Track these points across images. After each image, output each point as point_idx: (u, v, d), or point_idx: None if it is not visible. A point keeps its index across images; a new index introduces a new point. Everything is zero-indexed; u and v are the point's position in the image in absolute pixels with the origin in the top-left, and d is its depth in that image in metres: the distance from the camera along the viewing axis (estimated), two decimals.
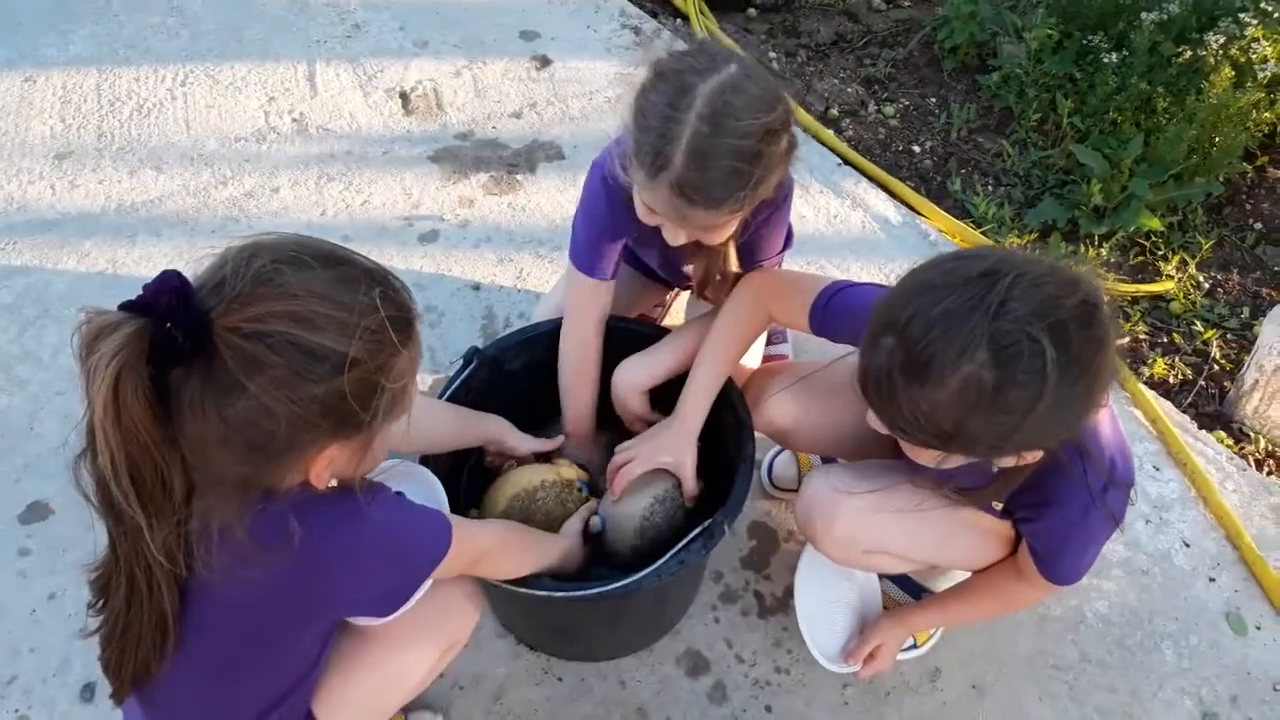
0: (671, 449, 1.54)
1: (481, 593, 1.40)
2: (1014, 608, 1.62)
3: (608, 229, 1.55)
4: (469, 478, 1.71)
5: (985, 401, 1.05)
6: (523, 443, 1.66)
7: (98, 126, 2.63)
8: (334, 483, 1.07)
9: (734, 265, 1.59)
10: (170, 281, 0.91)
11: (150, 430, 0.92)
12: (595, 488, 1.68)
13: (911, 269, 1.15)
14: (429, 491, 1.62)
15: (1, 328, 2.18)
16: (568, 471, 1.63)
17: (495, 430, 1.64)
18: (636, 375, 1.62)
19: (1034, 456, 1.18)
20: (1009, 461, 1.20)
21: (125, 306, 0.91)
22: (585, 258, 1.58)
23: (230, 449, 0.96)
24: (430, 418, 1.53)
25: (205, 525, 0.99)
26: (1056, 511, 1.31)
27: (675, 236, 1.41)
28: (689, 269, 1.70)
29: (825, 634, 1.60)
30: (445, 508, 1.53)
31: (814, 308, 1.44)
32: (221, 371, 0.92)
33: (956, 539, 1.46)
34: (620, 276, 1.72)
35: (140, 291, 0.91)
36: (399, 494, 1.15)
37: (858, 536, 1.46)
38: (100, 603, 1.08)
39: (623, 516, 1.55)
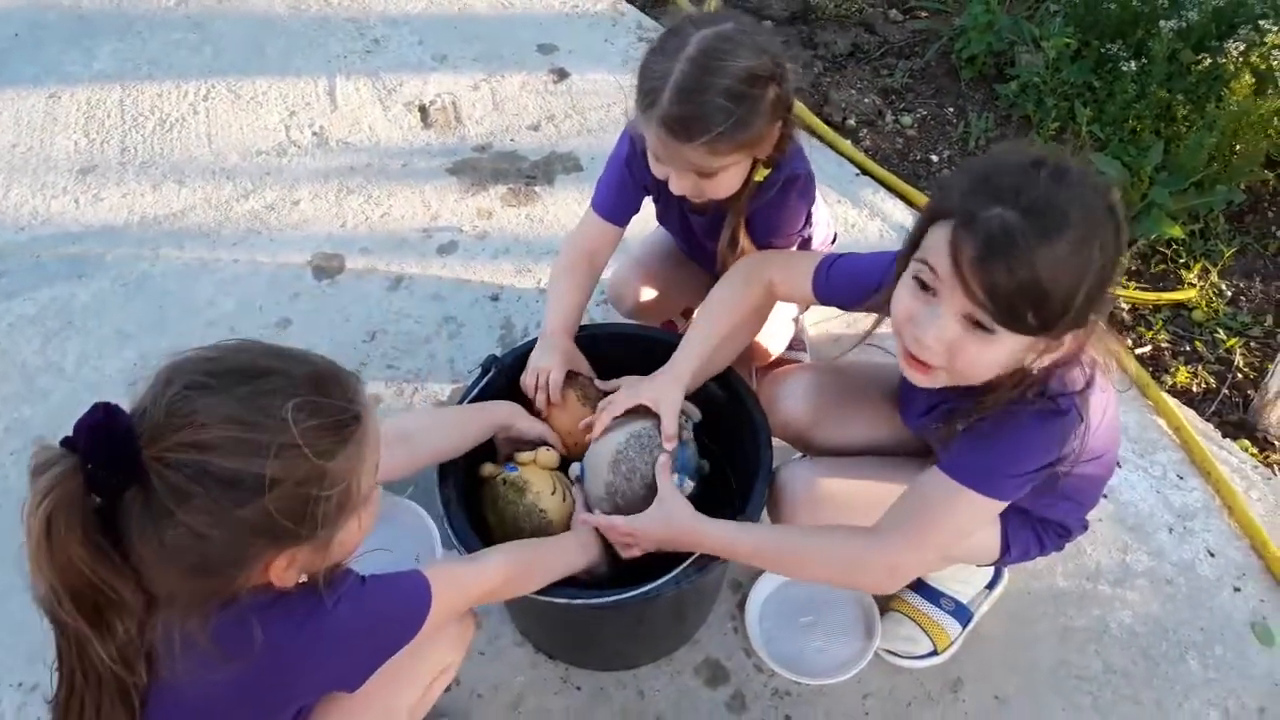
0: (654, 388, 1.53)
1: (473, 610, 1.38)
2: (828, 564, 1.36)
3: (625, 177, 1.67)
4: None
5: (1095, 254, 1.11)
6: (533, 426, 1.60)
7: (121, 141, 2.67)
8: (303, 578, 1.06)
9: (744, 240, 1.62)
10: (96, 419, 0.93)
11: (88, 562, 0.93)
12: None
13: (959, 165, 1.23)
14: (419, 528, 1.63)
15: (25, 339, 2.21)
16: (546, 457, 1.58)
17: (504, 415, 1.60)
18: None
19: (1075, 341, 1.19)
20: (1048, 359, 1.19)
21: (64, 442, 0.93)
22: (599, 197, 1.72)
23: (175, 570, 0.97)
24: (432, 429, 1.52)
25: (168, 634, 0.99)
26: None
27: (680, 185, 1.50)
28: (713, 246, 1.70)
29: (808, 664, 1.65)
30: (437, 544, 1.56)
31: (818, 271, 1.50)
32: (155, 499, 0.93)
33: None
34: (670, 272, 1.87)
35: (74, 426, 0.93)
36: (364, 579, 1.12)
37: (828, 520, 1.48)
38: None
39: (598, 453, 1.52)
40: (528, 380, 1.63)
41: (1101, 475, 1.44)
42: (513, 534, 1.49)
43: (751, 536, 1.39)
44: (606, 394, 1.61)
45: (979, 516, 1.30)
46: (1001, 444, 1.25)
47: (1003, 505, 1.28)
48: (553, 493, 1.53)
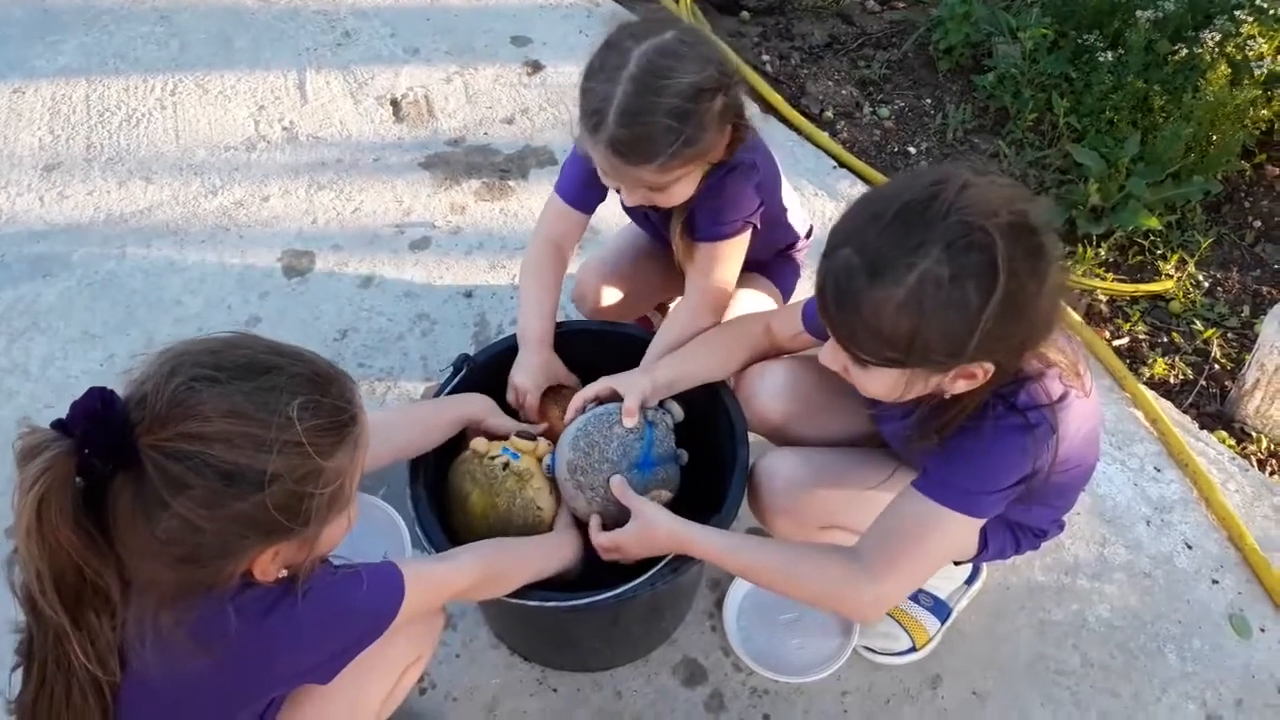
0: (623, 375, 1.53)
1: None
2: (817, 592, 1.33)
3: (590, 169, 1.62)
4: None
5: (942, 296, 1.08)
6: (504, 423, 1.57)
7: (87, 137, 2.62)
8: (283, 573, 1.06)
9: (679, 236, 1.62)
10: (92, 404, 0.93)
11: (76, 547, 0.94)
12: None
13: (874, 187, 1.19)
14: (388, 525, 1.60)
15: None
16: (546, 449, 1.53)
17: (474, 410, 1.56)
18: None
19: (986, 371, 1.16)
20: (962, 385, 1.18)
21: (55, 425, 0.93)
22: (564, 182, 1.69)
23: (163, 560, 0.97)
24: (395, 426, 1.49)
25: (141, 625, 0.99)
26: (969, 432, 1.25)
27: (630, 196, 1.50)
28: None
29: (784, 660, 1.64)
30: (406, 543, 1.54)
31: (806, 306, 1.51)
32: (148, 487, 0.94)
33: None
34: (634, 273, 1.85)
35: (69, 409, 0.93)
36: (337, 569, 1.12)
37: (806, 510, 1.49)
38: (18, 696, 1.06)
39: (564, 435, 1.50)
40: (510, 398, 1.62)
41: (1077, 482, 1.43)
42: (498, 523, 1.45)
43: (741, 552, 1.36)
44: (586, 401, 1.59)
45: (960, 536, 1.29)
46: (974, 461, 1.24)
47: (982, 521, 1.28)
48: (550, 492, 1.50)
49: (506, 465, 1.48)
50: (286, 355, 1.03)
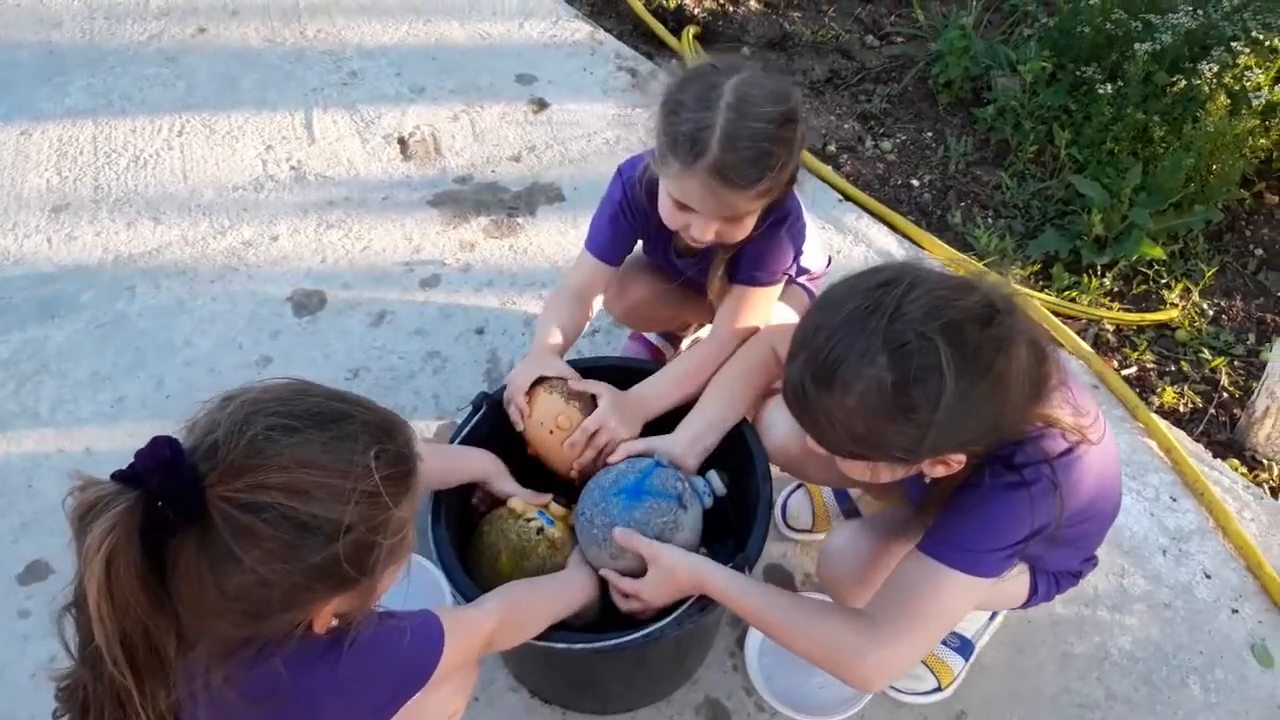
0: (669, 446, 1.54)
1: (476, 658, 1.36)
2: (820, 648, 1.29)
3: (619, 220, 1.68)
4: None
5: (888, 403, 1.09)
6: (512, 488, 1.56)
7: (94, 178, 2.62)
8: (334, 622, 1.05)
9: (719, 280, 1.64)
10: (161, 454, 0.90)
11: (142, 603, 0.91)
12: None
13: (828, 286, 1.21)
14: (430, 583, 1.60)
15: None
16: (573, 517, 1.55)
17: (482, 469, 1.56)
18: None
19: (959, 461, 1.17)
20: (940, 471, 1.19)
21: (117, 477, 0.90)
22: (593, 238, 1.73)
23: (227, 616, 0.95)
24: None
25: (192, 681, 0.97)
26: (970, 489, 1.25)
27: (704, 232, 1.49)
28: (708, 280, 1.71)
29: (808, 700, 1.62)
30: (447, 599, 1.52)
31: None
32: (216, 540, 0.91)
33: None
34: (658, 290, 1.85)
35: (132, 459, 0.91)
36: (381, 614, 1.12)
37: (876, 583, 1.43)
38: None
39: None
40: (506, 395, 1.62)
41: (1100, 527, 1.43)
42: None
43: (753, 597, 1.35)
44: (578, 392, 1.58)
45: (965, 596, 1.25)
46: (973, 520, 1.23)
47: (989, 582, 1.25)
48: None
49: (541, 530, 1.49)
50: (351, 402, 1.02)
